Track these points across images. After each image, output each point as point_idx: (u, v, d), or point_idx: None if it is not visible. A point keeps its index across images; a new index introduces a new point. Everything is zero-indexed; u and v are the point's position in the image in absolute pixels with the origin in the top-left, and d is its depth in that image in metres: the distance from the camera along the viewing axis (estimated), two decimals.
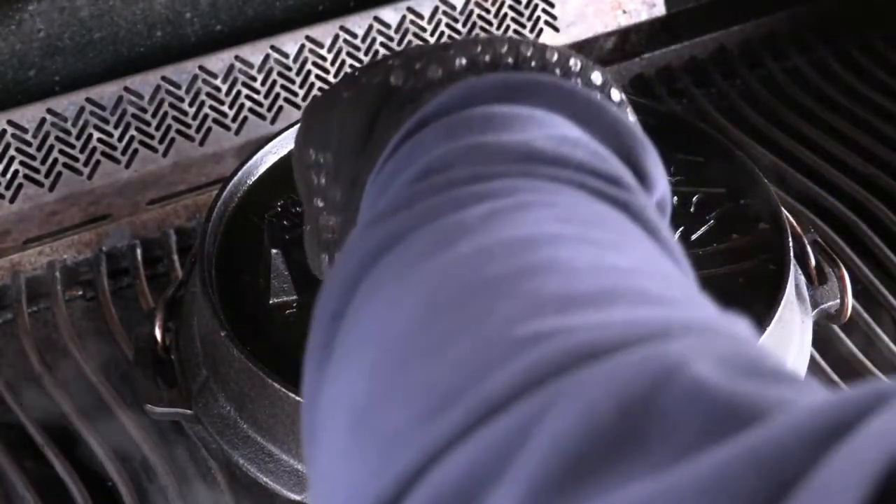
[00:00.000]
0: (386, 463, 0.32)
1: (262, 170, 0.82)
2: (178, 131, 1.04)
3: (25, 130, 1.00)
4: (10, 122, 1.00)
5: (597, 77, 0.50)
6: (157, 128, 1.04)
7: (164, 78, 1.04)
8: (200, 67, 1.05)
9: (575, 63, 0.50)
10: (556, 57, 0.50)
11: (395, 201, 0.42)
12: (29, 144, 1.00)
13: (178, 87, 1.04)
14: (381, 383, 0.36)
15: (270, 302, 0.74)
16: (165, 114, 1.04)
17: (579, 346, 0.32)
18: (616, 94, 0.50)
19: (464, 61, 0.49)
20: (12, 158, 1.00)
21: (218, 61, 1.05)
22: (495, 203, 0.39)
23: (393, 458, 0.32)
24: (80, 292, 0.99)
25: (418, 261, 0.39)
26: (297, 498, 0.69)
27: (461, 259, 0.38)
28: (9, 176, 1.00)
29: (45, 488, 0.83)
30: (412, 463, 0.32)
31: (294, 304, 0.74)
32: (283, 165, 0.82)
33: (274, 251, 0.73)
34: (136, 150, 1.03)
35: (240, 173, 0.81)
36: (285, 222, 0.77)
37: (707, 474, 0.26)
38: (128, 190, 1.02)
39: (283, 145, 0.83)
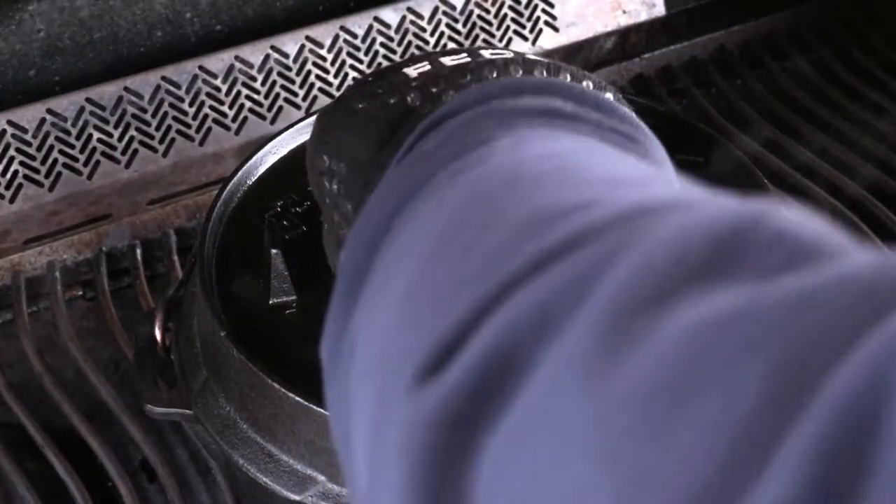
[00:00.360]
0: (444, 314, 0.33)
1: (262, 170, 0.82)
2: (178, 131, 1.04)
3: (25, 130, 1.00)
4: (10, 122, 1.00)
5: (609, 96, 0.51)
6: (157, 128, 1.04)
7: (164, 78, 1.04)
8: (200, 67, 1.05)
9: (588, 83, 0.51)
10: (569, 77, 0.51)
11: (418, 156, 0.43)
12: (29, 144, 1.00)
13: (178, 87, 1.04)
14: (432, 261, 0.36)
15: (270, 302, 0.74)
16: (165, 114, 1.04)
17: (652, 197, 0.32)
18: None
19: None
20: (12, 158, 1.00)
21: (218, 61, 1.05)
22: (521, 136, 0.40)
23: (452, 308, 0.32)
24: (80, 292, 0.99)
25: (454, 178, 0.39)
26: (297, 498, 0.69)
27: (498, 166, 0.38)
28: (9, 176, 1.00)
29: (45, 488, 0.83)
30: (475, 304, 0.32)
31: (294, 305, 0.74)
32: (282, 166, 0.82)
33: (273, 251, 0.73)
34: (136, 150, 1.03)
35: (239, 173, 0.81)
36: (285, 222, 0.77)
37: (801, 291, 0.26)
38: (128, 190, 1.02)
39: (283, 145, 0.83)
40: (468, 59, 0.52)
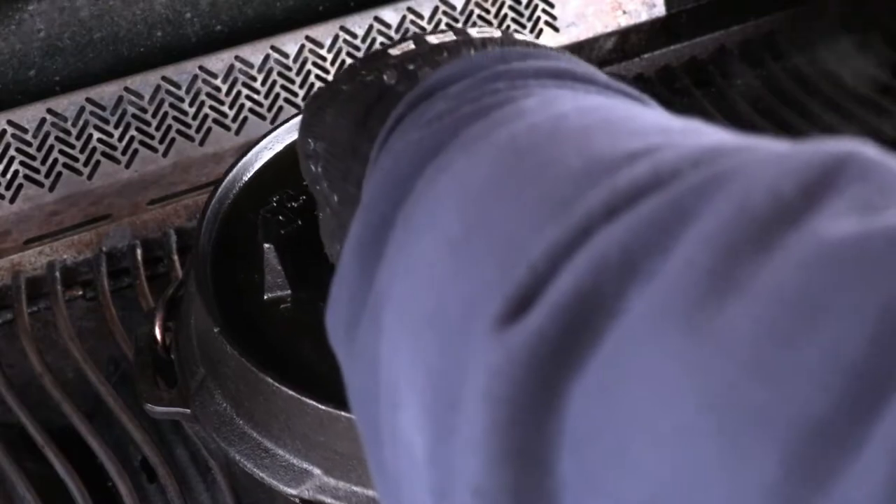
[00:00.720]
0: (514, 260, 0.32)
1: (258, 165, 0.82)
2: (178, 131, 1.04)
3: (25, 130, 1.00)
4: (10, 122, 1.00)
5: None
6: (157, 128, 1.04)
7: (164, 78, 1.04)
8: (200, 67, 1.05)
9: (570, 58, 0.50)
10: (549, 51, 0.50)
11: (432, 116, 0.41)
12: (29, 144, 1.00)
13: (178, 87, 1.04)
14: (484, 210, 0.35)
15: (265, 298, 0.74)
16: (165, 114, 1.04)
17: (719, 141, 0.31)
18: None
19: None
20: (12, 158, 1.00)
21: (218, 61, 1.05)
22: (546, 95, 0.39)
23: (524, 253, 0.31)
24: (80, 292, 0.99)
25: (486, 135, 0.38)
26: (294, 492, 0.68)
27: (533, 123, 0.37)
28: (9, 176, 1.00)
29: (45, 488, 0.83)
30: (550, 248, 0.31)
31: (288, 300, 0.74)
32: (279, 161, 0.82)
33: (266, 246, 0.73)
34: (136, 150, 1.03)
35: (235, 170, 0.81)
36: (281, 217, 0.77)
37: None
38: (128, 190, 1.02)
39: (279, 141, 0.82)
40: (451, 38, 0.52)
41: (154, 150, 1.03)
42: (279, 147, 0.82)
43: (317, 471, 0.68)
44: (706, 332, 0.26)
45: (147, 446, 0.83)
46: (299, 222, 0.76)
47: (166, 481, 0.81)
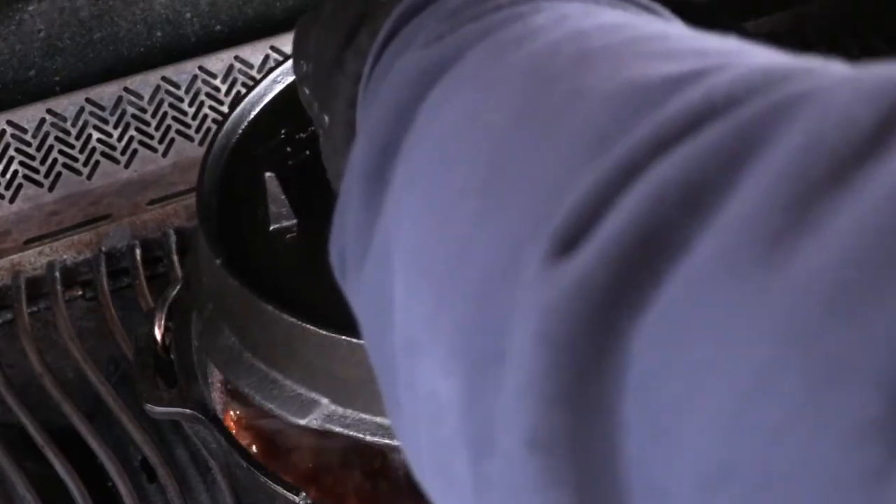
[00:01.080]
0: (552, 201, 0.29)
1: (268, 100, 0.80)
2: (178, 131, 1.04)
3: (25, 130, 1.00)
4: (9, 123, 1.00)
5: None
6: (157, 128, 1.04)
7: (163, 78, 1.04)
8: (200, 68, 1.05)
9: None
10: None
11: (429, 36, 0.38)
12: (29, 144, 1.00)
13: (178, 87, 1.04)
14: (510, 145, 0.32)
15: (270, 229, 0.72)
16: (165, 114, 1.04)
17: (768, 64, 0.29)
18: None
19: None
20: (12, 158, 1.00)
21: (218, 61, 1.05)
22: (557, 11, 0.36)
23: (563, 193, 0.29)
24: (80, 292, 0.99)
25: (497, 58, 0.35)
26: (302, 422, 0.67)
27: (552, 44, 0.34)
28: (8, 176, 1.00)
29: (45, 488, 0.83)
30: (599, 182, 0.29)
31: (294, 230, 0.72)
32: (289, 93, 0.78)
33: (268, 175, 0.71)
34: (135, 151, 1.03)
35: (243, 104, 0.79)
36: (288, 148, 0.75)
37: None
38: (128, 190, 1.02)
39: (289, 74, 0.79)
40: None
41: (154, 150, 1.03)
42: (290, 80, 0.80)
43: (324, 400, 0.67)
44: (785, 271, 0.25)
45: (147, 446, 0.83)
46: (307, 152, 0.75)
47: (166, 481, 0.81)
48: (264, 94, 0.80)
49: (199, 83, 1.05)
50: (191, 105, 1.04)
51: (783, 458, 0.24)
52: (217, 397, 0.78)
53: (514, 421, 0.29)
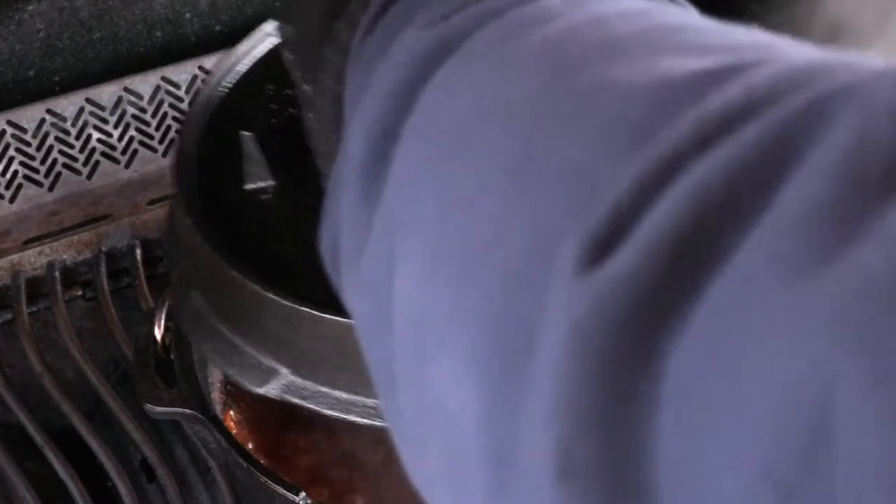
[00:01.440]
0: (587, 197, 0.28)
1: (257, 55, 0.76)
2: (178, 131, 1.04)
3: (25, 130, 1.00)
4: (9, 123, 1.00)
5: None
6: (157, 128, 1.04)
7: (163, 78, 1.04)
8: (200, 67, 1.05)
9: None
10: None
11: (433, 15, 0.36)
12: (28, 144, 1.00)
13: (178, 87, 1.04)
14: (537, 133, 0.31)
15: (245, 188, 0.70)
16: (165, 114, 1.04)
17: (806, 60, 0.28)
18: None
19: None
20: (12, 158, 1.00)
21: None
22: None
23: (599, 189, 0.28)
24: (80, 292, 0.98)
25: (509, 41, 0.33)
26: (261, 391, 0.66)
27: (569, 27, 0.33)
28: (8, 176, 1.00)
29: (45, 488, 0.83)
30: (635, 182, 0.27)
31: (270, 190, 0.70)
32: (275, 51, 0.76)
33: (245, 134, 0.69)
34: (135, 151, 1.03)
35: (229, 59, 0.76)
36: (273, 106, 0.72)
37: None
38: (128, 190, 1.02)
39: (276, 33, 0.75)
40: None
41: (154, 150, 1.03)
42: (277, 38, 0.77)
43: (284, 370, 0.65)
44: (839, 275, 0.24)
45: (147, 446, 0.83)
46: (291, 110, 0.71)
47: (166, 481, 0.81)
48: (249, 51, 0.76)
49: (199, 83, 1.05)
50: (191, 105, 1.04)
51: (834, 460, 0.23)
52: (217, 397, 0.78)
53: (541, 431, 0.28)
